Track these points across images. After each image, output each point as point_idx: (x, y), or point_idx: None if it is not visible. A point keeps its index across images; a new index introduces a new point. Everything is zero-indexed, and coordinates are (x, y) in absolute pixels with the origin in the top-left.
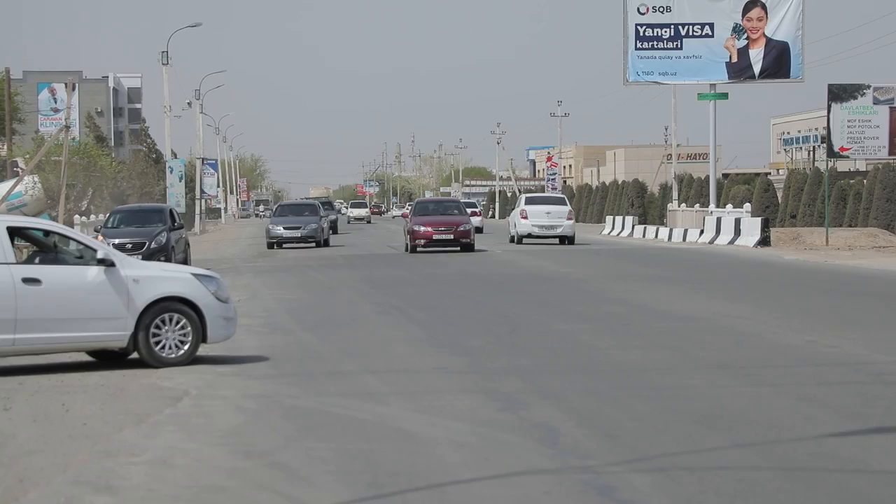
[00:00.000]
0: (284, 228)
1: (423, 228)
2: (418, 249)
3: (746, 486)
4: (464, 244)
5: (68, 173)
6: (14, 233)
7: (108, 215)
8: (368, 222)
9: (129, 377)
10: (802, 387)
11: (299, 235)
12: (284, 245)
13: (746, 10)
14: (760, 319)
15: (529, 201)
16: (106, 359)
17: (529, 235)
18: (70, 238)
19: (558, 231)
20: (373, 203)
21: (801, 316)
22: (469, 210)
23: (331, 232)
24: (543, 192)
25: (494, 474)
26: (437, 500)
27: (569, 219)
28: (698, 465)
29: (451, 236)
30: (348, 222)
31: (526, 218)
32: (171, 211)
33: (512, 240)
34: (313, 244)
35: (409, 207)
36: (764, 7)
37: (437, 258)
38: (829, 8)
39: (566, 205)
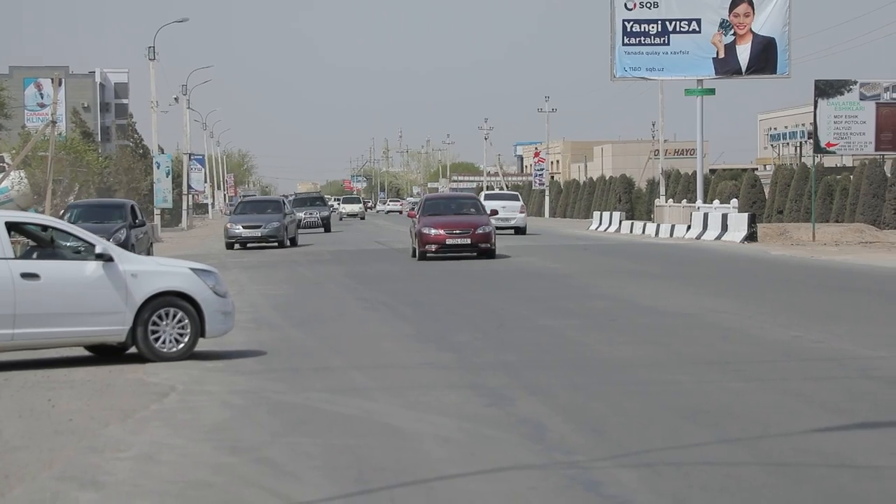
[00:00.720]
0: (243, 227)
1: (433, 231)
2: (428, 256)
3: (732, 481)
4: (483, 250)
5: (55, 168)
6: (12, 228)
7: (64, 210)
8: (362, 219)
9: (116, 373)
10: (788, 382)
11: (259, 235)
12: (248, 245)
13: (733, 5)
14: (747, 315)
15: (488, 198)
16: (104, 353)
17: None
18: (68, 233)
19: (512, 223)
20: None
21: (788, 311)
22: None
23: (322, 229)
24: (531, 187)
25: (480, 469)
26: (423, 496)
27: (521, 212)
28: (684, 461)
29: (468, 241)
30: (340, 219)
31: None
32: (132, 206)
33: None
34: (275, 244)
35: (416, 204)
36: (751, 3)
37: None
38: (815, 3)
39: (519, 200)
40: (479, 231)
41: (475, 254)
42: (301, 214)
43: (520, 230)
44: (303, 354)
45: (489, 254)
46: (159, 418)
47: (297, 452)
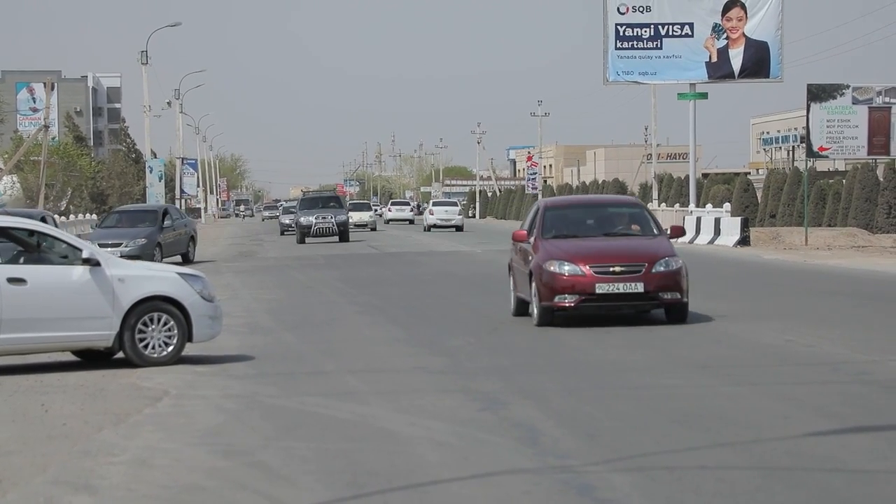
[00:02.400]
0: (100, 246)
1: (567, 269)
2: (558, 313)
3: (725, 485)
4: (669, 304)
5: (47, 173)
6: None
7: None
8: (373, 230)
9: (109, 377)
10: (781, 386)
11: (118, 255)
12: None
13: (726, 9)
14: (739, 319)
15: (435, 204)
16: (91, 359)
17: (435, 226)
18: (55, 238)
19: (452, 222)
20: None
21: (780, 315)
22: (408, 208)
23: (337, 238)
24: (524, 191)
25: (474, 474)
26: (416, 500)
27: (459, 215)
28: (677, 465)
29: (640, 286)
30: None
31: (433, 214)
32: (44, 218)
33: (426, 229)
34: None
35: (531, 218)
36: (743, 7)
37: (415, 257)
38: (808, 8)
39: (457, 206)
40: (660, 269)
41: (651, 308)
42: (311, 219)
43: (458, 227)
44: (296, 358)
45: (679, 312)
46: (153, 422)
47: (291, 456)
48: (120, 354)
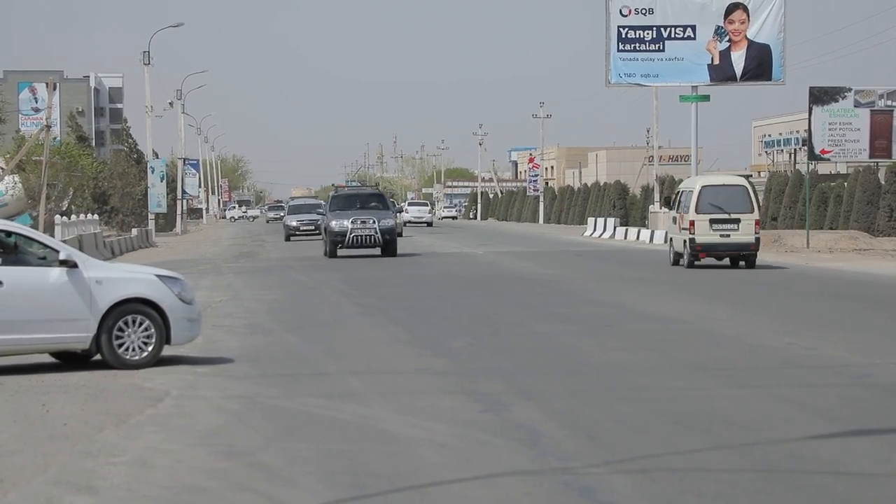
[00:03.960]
0: None
1: None
2: None
3: (726, 487)
4: None
5: (49, 173)
6: None
7: None
8: (399, 235)
9: (110, 377)
10: (782, 389)
11: None
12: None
13: (728, 12)
14: (740, 321)
15: (410, 204)
16: (69, 361)
17: (409, 222)
18: (32, 239)
19: (424, 219)
20: None
21: (781, 318)
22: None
23: (380, 250)
24: (526, 193)
25: (476, 475)
26: (418, 501)
27: (429, 213)
28: (678, 467)
29: None
30: None
31: (408, 213)
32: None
33: (403, 224)
34: None
35: None
36: (746, 9)
37: (417, 258)
38: (810, 10)
39: (427, 205)
40: None
41: None
42: (346, 224)
43: (428, 223)
44: (297, 359)
45: None
46: (154, 423)
47: (292, 457)
48: (98, 357)
